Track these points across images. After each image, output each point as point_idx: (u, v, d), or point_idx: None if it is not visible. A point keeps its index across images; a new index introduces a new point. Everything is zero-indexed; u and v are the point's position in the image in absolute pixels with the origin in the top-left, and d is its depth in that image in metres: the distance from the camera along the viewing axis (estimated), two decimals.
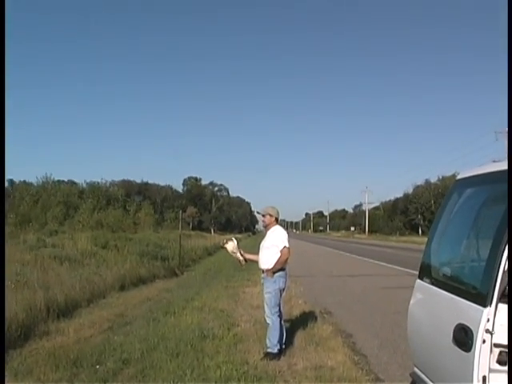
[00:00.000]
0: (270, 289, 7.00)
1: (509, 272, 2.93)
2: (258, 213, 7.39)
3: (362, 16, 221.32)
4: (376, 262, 26.08)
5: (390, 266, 22.94)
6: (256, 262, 7.50)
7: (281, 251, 7.03)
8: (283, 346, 7.07)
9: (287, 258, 7.13)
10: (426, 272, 4.26)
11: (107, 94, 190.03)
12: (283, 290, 7.20)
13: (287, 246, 7.09)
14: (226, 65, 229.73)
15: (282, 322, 7.21)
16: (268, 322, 7.03)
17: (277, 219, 7.34)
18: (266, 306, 7.10)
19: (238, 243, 7.60)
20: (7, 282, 9.92)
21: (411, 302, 4.32)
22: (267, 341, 6.96)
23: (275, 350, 6.89)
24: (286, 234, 7.24)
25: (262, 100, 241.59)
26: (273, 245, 7.09)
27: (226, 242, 7.58)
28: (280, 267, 7.05)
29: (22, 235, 23.06)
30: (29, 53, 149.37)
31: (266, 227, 7.33)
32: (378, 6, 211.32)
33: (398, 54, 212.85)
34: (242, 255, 7.46)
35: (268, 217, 7.25)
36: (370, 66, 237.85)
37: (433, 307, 3.94)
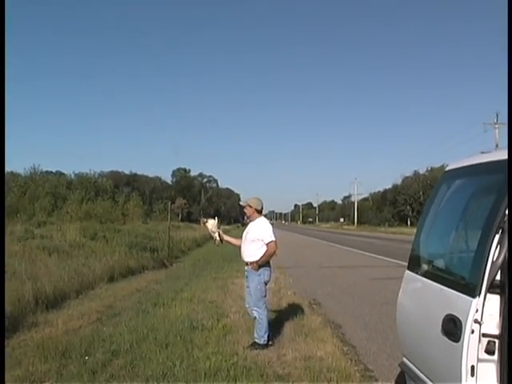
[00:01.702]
0: (255, 282, 6.97)
1: (509, 263, 2.93)
2: (239, 204, 7.34)
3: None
4: (365, 253, 26.20)
5: (379, 257, 23.05)
6: (233, 246, 7.59)
7: (268, 245, 6.95)
8: (270, 336, 7.09)
9: (274, 252, 7.08)
10: (415, 263, 4.27)
11: (95, 86, 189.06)
12: (267, 282, 7.17)
13: (274, 239, 7.01)
14: (216, 58, 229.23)
15: (267, 313, 7.23)
16: (255, 314, 7.02)
17: (259, 211, 7.22)
18: (250, 299, 7.09)
19: (218, 222, 7.62)
20: None
21: (400, 292, 4.32)
22: (255, 332, 6.99)
23: (262, 341, 6.91)
24: (271, 227, 7.14)
25: (251, 92, 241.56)
26: (257, 238, 6.98)
27: (207, 221, 7.58)
28: (267, 260, 7.03)
29: (9, 226, 22.89)
30: (20, 44, 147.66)
31: (249, 218, 7.25)
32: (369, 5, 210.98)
33: (387, 46, 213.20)
34: (219, 235, 7.45)
35: (248, 208, 7.15)
36: (359, 59, 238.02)
37: (422, 298, 3.95)
